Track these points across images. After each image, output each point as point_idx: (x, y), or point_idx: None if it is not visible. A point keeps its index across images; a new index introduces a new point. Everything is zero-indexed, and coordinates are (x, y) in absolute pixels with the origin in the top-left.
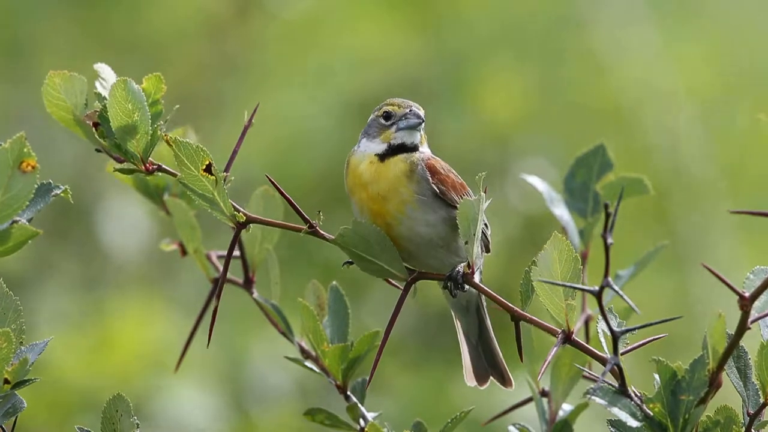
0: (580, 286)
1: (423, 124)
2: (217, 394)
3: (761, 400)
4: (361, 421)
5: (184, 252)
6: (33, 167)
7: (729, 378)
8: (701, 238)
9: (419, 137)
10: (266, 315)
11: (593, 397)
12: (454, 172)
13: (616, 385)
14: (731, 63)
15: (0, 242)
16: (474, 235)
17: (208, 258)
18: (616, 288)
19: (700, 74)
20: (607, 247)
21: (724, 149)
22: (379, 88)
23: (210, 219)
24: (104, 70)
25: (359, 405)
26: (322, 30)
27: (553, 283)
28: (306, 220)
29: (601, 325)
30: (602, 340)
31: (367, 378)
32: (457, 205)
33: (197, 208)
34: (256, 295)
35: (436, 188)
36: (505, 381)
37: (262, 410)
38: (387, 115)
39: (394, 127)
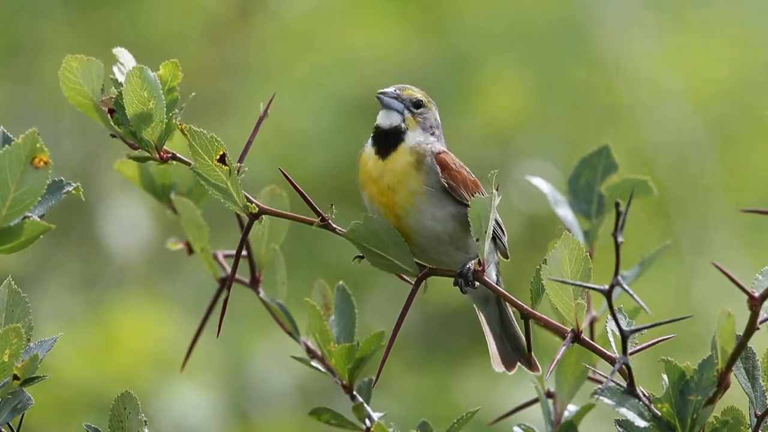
0: (590, 285)
1: (402, 106)
2: (219, 395)
3: None
4: (367, 421)
5: (190, 251)
6: (45, 163)
7: (737, 379)
8: (705, 237)
9: (397, 119)
10: (272, 315)
11: (601, 397)
12: (467, 169)
13: (624, 385)
14: (735, 61)
15: (12, 237)
16: (485, 232)
17: (215, 257)
18: (626, 287)
19: (704, 73)
20: (617, 246)
21: (728, 148)
22: (372, 89)
23: (214, 218)
24: (123, 54)
25: (365, 405)
26: (323, 30)
27: (564, 282)
28: (318, 213)
29: (610, 325)
30: (611, 339)
31: (373, 378)
32: (466, 202)
33: (204, 206)
34: (262, 294)
35: (445, 183)
36: (531, 366)
37: (264, 411)
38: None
39: None
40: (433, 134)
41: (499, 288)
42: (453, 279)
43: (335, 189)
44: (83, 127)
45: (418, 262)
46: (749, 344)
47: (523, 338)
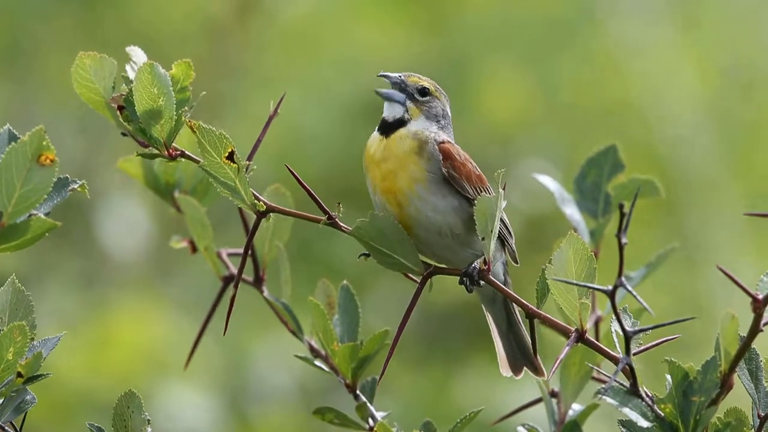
0: (594, 285)
1: (403, 96)
2: (217, 394)
3: None
4: (370, 421)
5: (194, 249)
6: (52, 161)
7: (740, 380)
8: (710, 237)
9: (399, 110)
10: (276, 314)
11: (604, 397)
12: (473, 163)
13: (628, 385)
14: (738, 59)
15: (18, 235)
16: (491, 231)
17: (219, 255)
18: (630, 288)
19: (709, 71)
20: (621, 247)
21: (734, 147)
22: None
23: (217, 216)
24: (136, 52)
25: (368, 404)
26: (323, 30)
27: (568, 282)
28: (325, 211)
29: (614, 325)
30: (615, 339)
31: (376, 377)
32: (469, 196)
33: (209, 204)
34: (266, 293)
35: (446, 172)
36: (537, 370)
37: (263, 410)
38: None
39: None
40: (437, 122)
41: (504, 288)
42: (458, 278)
43: (336, 189)
44: (82, 127)
45: (424, 260)
46: (753, 345)
47: (530, 344)
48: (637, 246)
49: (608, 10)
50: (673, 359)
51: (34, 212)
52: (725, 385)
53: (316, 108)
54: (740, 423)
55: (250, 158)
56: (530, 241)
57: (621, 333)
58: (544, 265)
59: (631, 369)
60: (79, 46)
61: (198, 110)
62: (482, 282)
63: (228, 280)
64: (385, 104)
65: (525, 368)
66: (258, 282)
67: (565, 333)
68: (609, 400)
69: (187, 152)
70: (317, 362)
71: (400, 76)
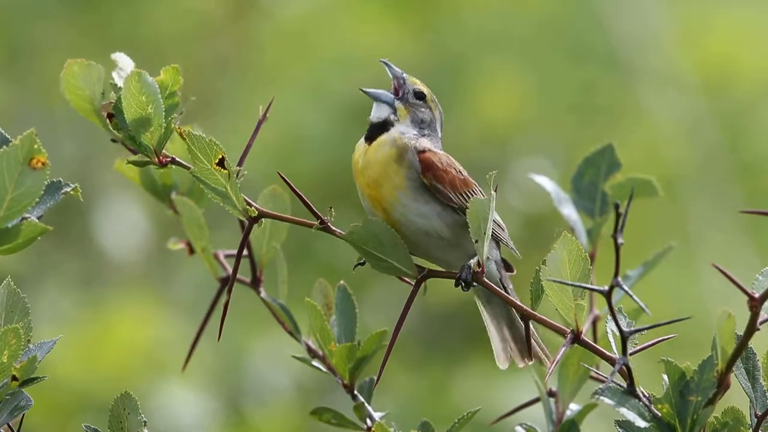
0: (589, 286)
1: (391, 97)
2: (214, 394)
3: None
4: (368, 421)
5: (191, 251)
6: (43, 164)
7: (737, 379)
8: (710, 236)
9: (386, 111)
10: (274, 315)
11: (602, 397)
12: (457, 167)
13: (625, 385)
14: (740, 58)
15: (10, 239)
16: (484, 233)
17: (216, 257)
18: (626, 288)
19: (711, 69)
20: (617, 248)
21: (737, 144)
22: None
23: (214, 218)
24: (122, 59)
25: (366, 404)
26: (320, 31)
27: (562, 283)
28: (317, 216)
29: (610, 325)
30: (611, 340)
31: (374, 377)
32: (453, 205)
33: (205, 206)
34: (263, 294)
35: (427, 182)
36: (541, 360)
37: (260, 410)
38: None
39: None
40: (419, 128)
41: (498, 289)
42: (454, 283)
43: (332, 190)
44: (79, 128)
45: (418, 264)
46: (750, 345)
47: (534, 331)
48: (637, 246)
49: (606, 8)
50: (669, 359)
51: (27, 216)
52: (722, 385)
53: (312, 107)
54: (737, 422)
55: (240, 164)
56: (527, 240)
57: (617, 333)
58: (538, 266)
59: (628, 369)
60: (79, 47)
61: (196, 110)
62: (476, 284)
63: (225, 281)
64: (374, 106)
65: (523, 358)
66: (255, 283)
67: (561, 334)
68: (606, 400)
69: (177, 159)
70: (315, 363)
71: (401, 72)
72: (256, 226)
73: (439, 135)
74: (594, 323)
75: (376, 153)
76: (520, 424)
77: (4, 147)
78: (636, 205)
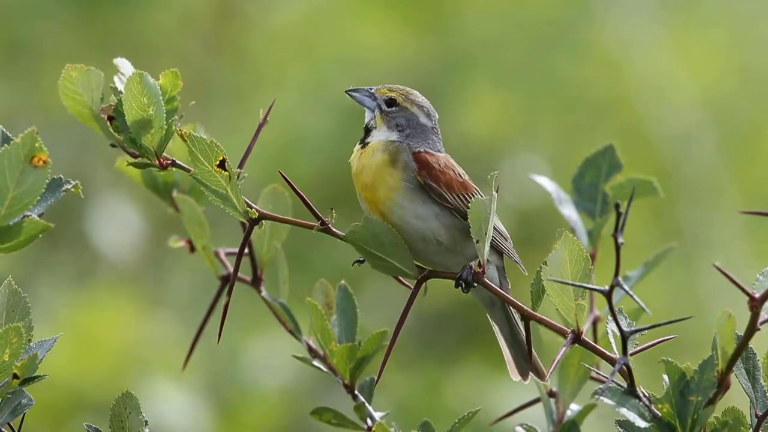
0: (590, 285)
1: (374, 103)
2: (212, 394)
3: None
4: (368, 421)
5: (192, 249)
6: (44, 162)
7: (737, 379)
8: (709, 236)
9: (368, 116)
10: (275, 314)
11: (602, 398)
12: (457, 170)
13: (625, 385)
14: (741, 57)
15: (11, 236)
16: (486, 234)
17: (216, 255)
18: (627, 288)
19: (708, 70)
20: (617, 247)
21: (733, 145)
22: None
23: (215, 216)
24: (123, 64)
25: (367, 404)
26: (320, 31)
27: (563, 283)
28: (318, 217)
29: (611, 326)
30: (611, 340)
31: (374, 377)
32: (448, 205)
33: (206, 204)
34: (264, 293)
35: (422, 181)
36: (539, 374)
37: (253, 410)
38: None
39: None
40: (400, 132)
41: (499, 290)
42: (454, 284)
43: (332, 190)
44: (75, 128)
45: (418, 264)
46: (750, 345)
47: (530, 346)
48: (636, 246)
49: (606, 9)
50: (670, 359)
51: (28, 214)
52: (722, 385)
53: (313, 107)
54: (738, 422)
55: (241, 166)
56: (524, 238)
57: (618, 333)
58: (539, 266)
59: (629, 369)
60: (78, 47)
61: (194, 111)
62: (476, 284)
63: (226, 279)
64: (366, 110)
65: (529, 372)
66: (256, 282)
67: (562, 334)
68: (606, 400)
69: (177, 161)
70: (315, 362)
71: (368, 89)
72: (256, 227)
73: (429, 126)
74: (594, 324)
75: (369, 158)
76: (521, 425)
77: (6, 145)
78: (636, 206)
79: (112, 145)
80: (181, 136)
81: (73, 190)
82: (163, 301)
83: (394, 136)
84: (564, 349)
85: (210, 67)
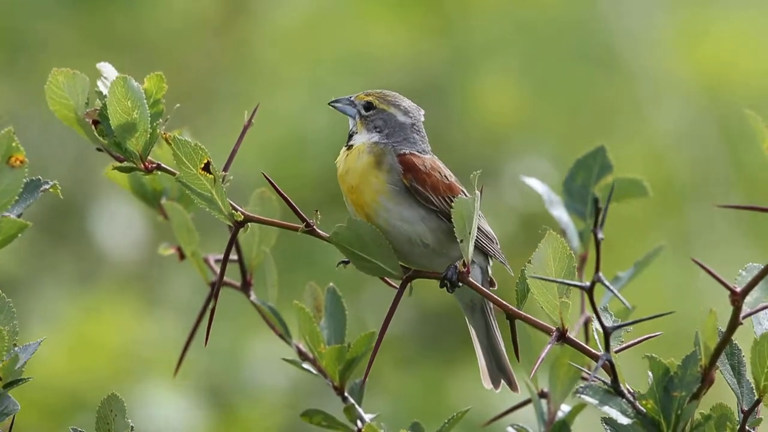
0: (570, 281)
1: (354, 110)
2: (207, 395)
3: (755, 397)
4: (358, 423)
5: (182, 256)
6: (21, 162)
7: (723, 375)
8: (711, 237)
9: (351, 123)
10: (264, 318)
11: (583, 396)
12: (443, 172)
13: (609, 382)
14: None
15: None
16: (470, 233)
17: (206, 261)
18: (607, 282)
19: (714, 71)
20: (598, 243)
21: (737, 146)
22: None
23: (207, 222)
24: (107, 69)
25: (356, 406)
26: (323, 30)
27: (544, 279)
28: (303, 219)
29: (595, 323)
30: (596, 337)
31: (365, 379)
32: (434, 208)
33: (195, 210)
34: (253, 297)
35: (408, 183)
36: (511, 384)
37: (252, 411)
38: None
39: None
40: (380, 132)
41: (484, 289)
42: (439, 284)
43: (333, 190)
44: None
45: (403, 265)
46: (735, 341)
47: (506, 357)
48: (637, 247)
49: (615, 8)
50: (653, 355)
51: (6, 213)
52: (706, 380)
53: (318, 107)
54: (724, 418)
55: (226, 169)
56: (526, 239)
57: (601, 330)
58: (523, 265)
59: (612, 365)
60: (78, 46)
61: (194, 110)
62: (461, 284)
63: (215, 284)
64: None
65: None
66: (245, 287)
67: (548, 332)
68: (588, 398)
69: (162, 165)
70: (305, 365)
71: (348, 98)
72: (242, 230)
73: (409, 124)
74: (586, 325)
75: (355, 160)
76: (512, 425)
77: None
78: (635, 207)
79: (98, 150)
80: (166, 140)
81: (51, 190)
82: (164, 302)
83: (375, 137)
84: (549, 346)
85: (213, 67)
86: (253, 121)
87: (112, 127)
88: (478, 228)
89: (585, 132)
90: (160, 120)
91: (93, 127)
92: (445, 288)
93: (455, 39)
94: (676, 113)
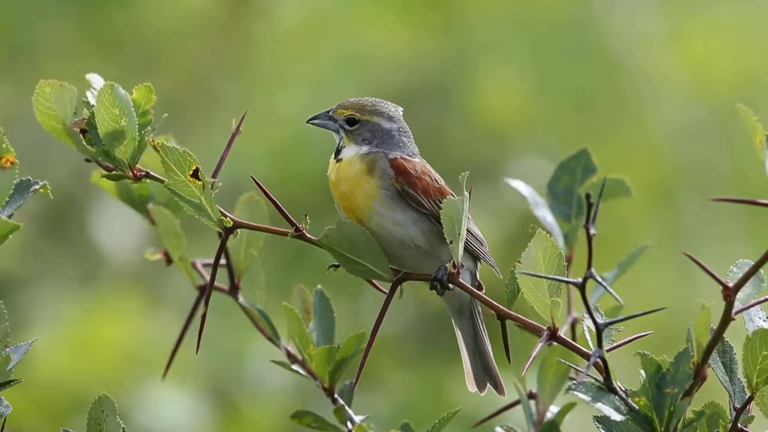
0: (563, 278)
1: (336, 125)
2: (207, 395)
3: (747, 395)
4: (348, 424)
5: (168, 261)
6: (12, 163)
7: (715, 373)
8: (708, 234)
9: (336, 138)
10: (252, 321)
11: (575, 392)
12: (432, 176)
13: (601, 380)
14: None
15: None
16: (459, 234)
17: (194, 266)
18: (599, 279)
19: (710, 69)
20: (589, 239)
21: (734, 146)
22: (376, 88)
23: (194, 226)
24: (95, 79)
25: (346, 407)
26: (324, 30)
27: (535, 276)
28: (293, 224)
29: (587, 321)
30: (587, 336)
31: (357, 380)
32: (425, 211)
33: (182, 216)
34: (241, 300)
35: (399, 187)
36: (497, 388)
37: (254, 410)
38: None
39: None
40: (369, 143)
41: (473, 290)
42: (429, 285)
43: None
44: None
45: (393, 267)
46: (727, 339)
47: (493, 361)
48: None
49: (615, 8)
50: (645, 352)
51: None
52: (698, 376)
53: (320, 107)
54: (716, 415)
55: (215, 175)
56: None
57: (592, 327)
58: (513, 266)
59: (604, 362)
60: (79, 46)
61: (195, 108)
62: (452, 285)
63: (203, 289)
64: None
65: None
66: (233, 290)
67: (538, 332)
68: (580, 395)
69: (151, 172)
70: (294, 367)
71: (328, 113)
72: (231, 235)
73: (396, 128)
74: (573, 326)
75: (347, 169)
76: (501, 426)
77: None
78: (634, 207)
79: (87, 160)
80: (154, 147)
81: (41, 190)
82: (166, 302)
83: (365, 149)
84: (540, 345)
85: (214, 67)
86: (241, 129)
87: (100, 135)
88: (468, 230)
89: (586, 130)
90: (149, 128)
91: (81, 136)
92: (434, 290)
93: (456, 38)
94: (673, 111)
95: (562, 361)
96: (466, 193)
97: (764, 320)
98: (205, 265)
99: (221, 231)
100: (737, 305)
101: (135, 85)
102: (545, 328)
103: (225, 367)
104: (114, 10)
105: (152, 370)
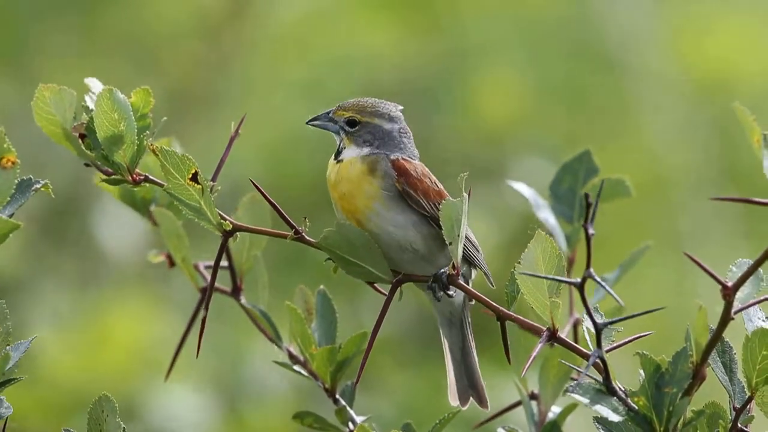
0: (562, 278)
1: (336, 127)
2: (214, 395)
3: (747, 395)
4: (350, 425)
5: (171, 263)
6: (13, 163)
7: (715, 373)
8: (708, 235)
9: (337, 139)
10: (254, 322)
11: (573, 394)
12: (432, 178)
13: (601, 380)
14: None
15: None
16: (458, 236)
17: (196, 268)
18: (598, 279)
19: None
20: (588, 238)
21: (733, 147)
22: (376, 88)
23: (198, 228)
24: (94, 83)
25: (348, 408)
26: (319, 30)
27: (534, 276)
28: (292, 226)
29: (587, 322)
30: (587, 336)
31: (359, 381)
32: (425, 213)
33: (184, 218)
34: (243, 301)
35: (401, 188)
36: (481, 402)
37: (258, 411)
38: None
39: None
40: (370, 145)
41: (473, 291)
42: (427, 284)
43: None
44: None
45: (393, 269)
46: (726, 339)
47: (479, 373)
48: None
49: (609, 8)
50: (644, 352)
51: None
52: (697, 376)
53: (314, 106)
54: (716, 415)
55: (214, 179)
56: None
57: (592, 327)
58: (513, 267)
59: (603, 362)
60: (79, 46)
61: (196, 108)
62: (452, 291)
63: (205, 291)
64: None
65: (471, 398)
66: (236, 292)
67: (538, 333)
68: (578, 396)
69: (150, 176)
70: (296, 367)
71: (328, 114)
72: (232, 238)
73: (397, 129)
74: (575, 327)
75: (348, 170)
76: (503, 426)
77: None
78: (633, 207)
79: (86, 164)
80: (153, 151)
81: (43, 189)
82: (168, 301)
83: (366, 150)
84: (540, 346)
85: (210, 68)
86: (240, 131)
87: (99, 140)
88: (465, 236)
89: (584, 130)
90: (147, 132)
91: (80, 140)
92: (432, 292)
93: (451, 38)
94: (672, 111)
95: (563, 362)
96: (465, 195)
97: (763, 320)
98: (207, 267)
99: (221, 234)
100: (736, 305)
101: (133, 86)
102: (545, 328)
103: (228, 368)
104: (114, 10)
105: (159, 370)
